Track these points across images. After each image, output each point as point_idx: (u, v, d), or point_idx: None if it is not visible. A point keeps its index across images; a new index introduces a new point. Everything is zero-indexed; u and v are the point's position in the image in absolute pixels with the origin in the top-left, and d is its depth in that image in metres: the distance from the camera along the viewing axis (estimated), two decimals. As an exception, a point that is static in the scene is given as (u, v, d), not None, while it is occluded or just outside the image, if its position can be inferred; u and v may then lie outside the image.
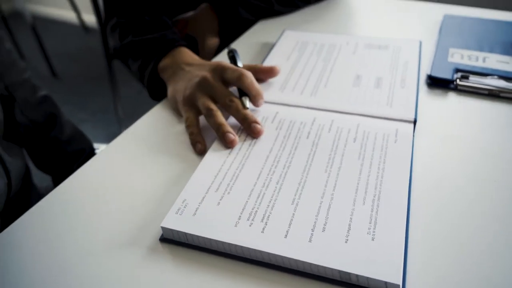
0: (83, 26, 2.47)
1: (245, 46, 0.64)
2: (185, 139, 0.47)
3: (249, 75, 0.48)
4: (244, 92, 0.48)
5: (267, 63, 0.58)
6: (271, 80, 0.54)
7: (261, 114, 0.48)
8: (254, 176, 0.39)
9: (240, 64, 0.53)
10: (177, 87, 0.51)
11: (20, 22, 2.28)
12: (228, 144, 0.43)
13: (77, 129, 0.68)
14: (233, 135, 0.43)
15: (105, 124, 1.73)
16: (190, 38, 0.64)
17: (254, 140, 0.44)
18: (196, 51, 0.61)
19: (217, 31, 0.71)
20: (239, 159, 0.41)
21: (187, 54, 0.57)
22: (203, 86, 0.48)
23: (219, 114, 0.45)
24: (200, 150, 0.44)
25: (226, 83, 0.49)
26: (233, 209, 0.36)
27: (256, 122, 0.44)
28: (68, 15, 2.53)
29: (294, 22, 0.71)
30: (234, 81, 0.48)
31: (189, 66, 0.53)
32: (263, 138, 0.44)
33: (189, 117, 0.47)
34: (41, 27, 2.27)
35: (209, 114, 0.46)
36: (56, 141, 0.63)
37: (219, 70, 0.49)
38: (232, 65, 0.50)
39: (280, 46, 0.62)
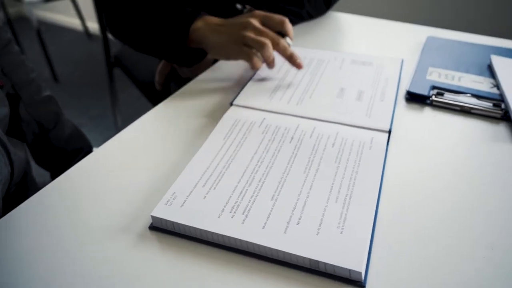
0: (86, 33, 2.53)
1: (240, 57, 0.69)
2: (178, 139, 0.50)
3: (288, 21, 0.58)
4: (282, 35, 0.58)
5: (258, 73, 0.62)
6: (260, 89, 0.58)
7: (249, 119, 0.51)
8: (239, 174, 0.43)
9: None
10: (221, 35, 0.58)
11: (26, 26, 2.34)
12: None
13: (77, 128, 0.71)
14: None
15: (103, 129, 1.76)
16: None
17: (241, 142, 0.48)
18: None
19: None
20: (226, 159, 0.45)
21: (214, 18, 0.61)
22: (249, 28, 0.56)
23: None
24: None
25: (267, 27, 0.58)
26: (218, 203, 0.39)
27: (299, 58, 0.57)
28: (73, 21, 2.59)
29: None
30: (278, 24, 0.58)
31: (224, 21, 0.60)
32: (249, 140, 0.48)
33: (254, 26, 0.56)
34: (46, 32, 2.33)
35: (263, 46, 0.55)
36: (56, 139, 0.67)
37: (261, 16, 0.58)
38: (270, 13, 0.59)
39: None
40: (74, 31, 2.61)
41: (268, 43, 0.55)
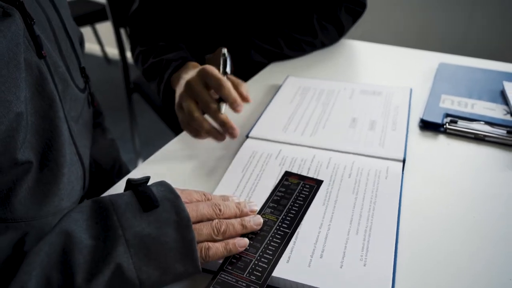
0: (106, 58, 2.61)
1: (255, 87, 0.71)
2: (196, 173, 0.52)
3: (227, 85, 0.52)
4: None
5: (272, 106, 0.64)
6: (274, 121, 0.60)
7: (266, 151, 0.53)
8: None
9: (228, 69, 0.58)
10: (177, 94, 0.58)
11: (47, 54, 2.43)
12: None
13: (129, 171, 0.72)
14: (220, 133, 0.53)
15: (122, 152, 1.81)
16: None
17: (259, 174, 0.49)
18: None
19: (232, 72, 0.79)
20: (246, 193, 0.47)
21: (190, 65, 0.66)
22: (188, 89, 0.54)
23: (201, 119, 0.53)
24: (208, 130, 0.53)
25: (208, 87, 0.54)
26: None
27: (232, 128, 0.51)
28: (92, 47, 2.69)
29: (301, 66, 0.78)
30: (214, 88, 0.53)
31: (185, 74, 0.61)
32: (267, 173, 0.50)
33: (189, 106, 0.53)
34: (66, 59, 2.41)
35: (191, 118, 0.53)
36: (110, 182, 0.68)
37: (203, 75, 0.53)
38: (215, 72, 0.53)
39: (283, 90, 0.68)
40: (93, 57, 2.70)
41: (196, 117, 0.53)
